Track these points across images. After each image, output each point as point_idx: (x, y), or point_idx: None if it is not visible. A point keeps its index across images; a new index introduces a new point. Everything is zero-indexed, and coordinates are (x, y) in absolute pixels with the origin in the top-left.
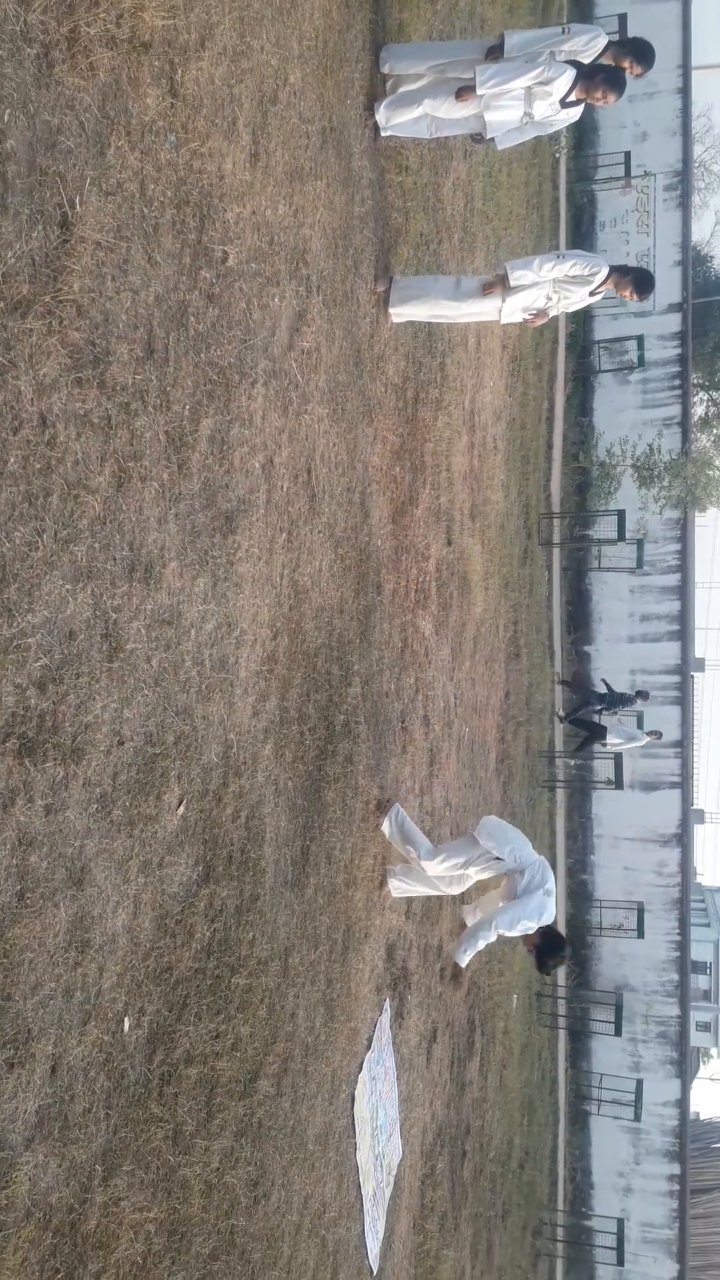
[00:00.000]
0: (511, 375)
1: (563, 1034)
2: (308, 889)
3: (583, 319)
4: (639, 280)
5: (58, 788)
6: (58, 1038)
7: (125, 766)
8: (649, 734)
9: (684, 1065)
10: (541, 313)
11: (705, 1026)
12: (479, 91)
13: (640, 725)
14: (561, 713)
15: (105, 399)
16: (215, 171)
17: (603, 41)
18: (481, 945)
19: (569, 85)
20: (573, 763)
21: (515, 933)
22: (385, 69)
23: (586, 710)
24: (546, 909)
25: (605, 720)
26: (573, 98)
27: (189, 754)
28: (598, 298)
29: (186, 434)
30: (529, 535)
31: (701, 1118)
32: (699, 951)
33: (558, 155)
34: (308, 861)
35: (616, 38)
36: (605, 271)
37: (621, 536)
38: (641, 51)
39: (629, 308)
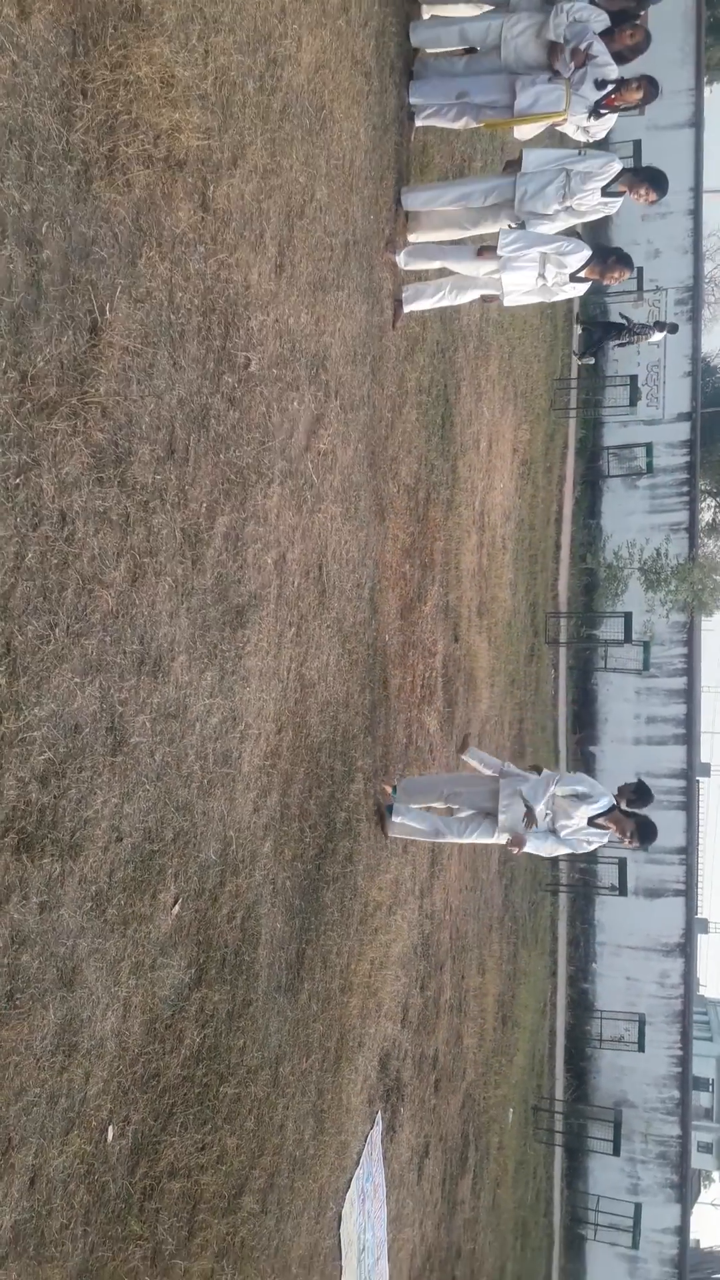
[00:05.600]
0: (521, 478)
1: (559, 1151)
2: (301, 994)
3: (593, 426)
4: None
5: (54, 884)
6: (39, 1147)
7: (122, 864)
8: (661, 327)
9: (684, 1189)
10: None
11: (707, 1147)
12: (500, 253)
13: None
14: (578, 350)
15: (125, 497)
16: (241, 281)
17: (617, 167)
18: None
19: (582, 263)
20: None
21: None
22: (406, 207)
23: (603, 344)
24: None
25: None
26: (583, 274)
27: (187, 851)
28: None
29: (202, 531)
30: (536, 633)
31: (702, 1246)
32: (700, 1067)
33: None
34: (303, 965)
35: (631, 164)
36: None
37: (628, 638)
38: (656, 180)
39: (639, 415)
